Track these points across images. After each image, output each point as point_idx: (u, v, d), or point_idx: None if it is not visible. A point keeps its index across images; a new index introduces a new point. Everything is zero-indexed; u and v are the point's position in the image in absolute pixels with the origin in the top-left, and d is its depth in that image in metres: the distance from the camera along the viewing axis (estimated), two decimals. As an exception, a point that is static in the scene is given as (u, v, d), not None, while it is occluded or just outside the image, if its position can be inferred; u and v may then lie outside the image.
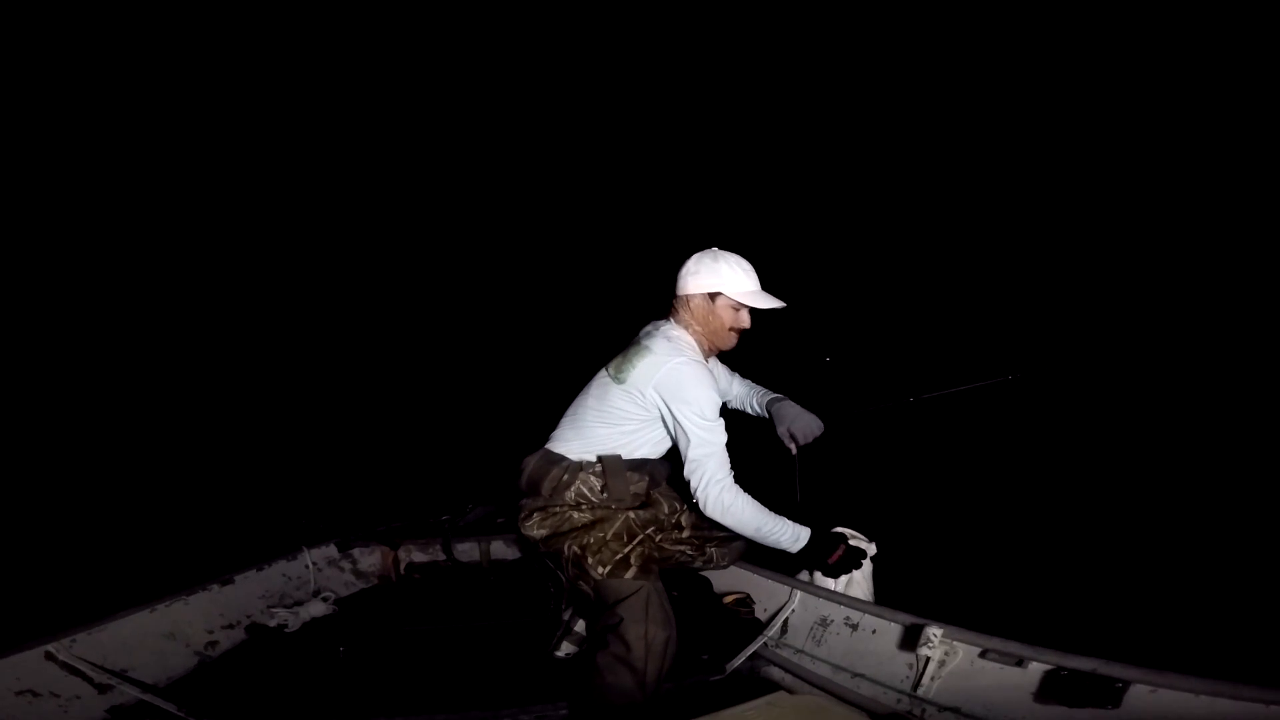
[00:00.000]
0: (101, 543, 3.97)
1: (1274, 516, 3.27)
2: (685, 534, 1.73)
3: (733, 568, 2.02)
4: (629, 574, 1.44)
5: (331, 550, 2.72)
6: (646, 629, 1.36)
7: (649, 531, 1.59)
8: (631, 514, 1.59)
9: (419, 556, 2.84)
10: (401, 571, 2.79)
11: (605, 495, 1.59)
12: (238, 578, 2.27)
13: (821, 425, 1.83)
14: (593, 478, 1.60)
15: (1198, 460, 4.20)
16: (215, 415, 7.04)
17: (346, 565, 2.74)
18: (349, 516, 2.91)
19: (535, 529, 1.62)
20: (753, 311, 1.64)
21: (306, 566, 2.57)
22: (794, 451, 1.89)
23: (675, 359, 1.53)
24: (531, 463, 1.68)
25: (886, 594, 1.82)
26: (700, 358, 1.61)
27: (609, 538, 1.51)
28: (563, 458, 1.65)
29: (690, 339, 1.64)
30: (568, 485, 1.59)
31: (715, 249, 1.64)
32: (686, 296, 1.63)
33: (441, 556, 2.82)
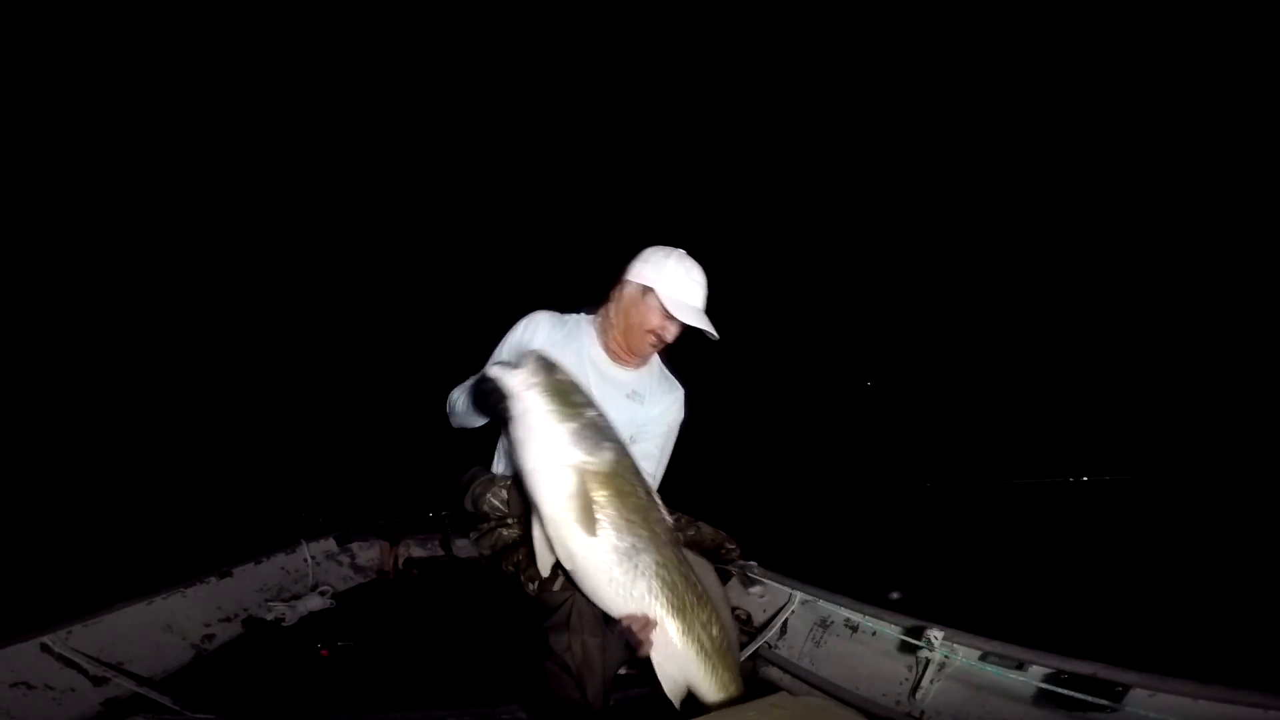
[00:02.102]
0: (99, 534, 3.96)
1: (1272, 522, 3.28)
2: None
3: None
4: (557, 585, 1.31)
5: (330, 544, 2.71)
6: (569, 639, 1.25)
7: None
8: None
9: (418, 552, 2.84)
10: (400, 566, 2.79)
11: (507, 507, 1.50)
12: (235, 571, 2.26)
13: None
14: (502, 490, 1.51)
15: (1197, 467, 4.21)
16: (215, 408, 7.02)
17: (345, 559, 2.74)
18: (348, 510, 2.90)
19: (480, 547, 1.54)
20: (694, 333, 1.48)
21: (305, 560, 2.56)
22: None
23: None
24: (465, 479, 1.61)
25: (887, 596, 1.78)
26: (551, 314, 1.57)
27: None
28: (484, 470, 1.59)
29: (590, 325, 1.57)
30: (480, 497, 1.51)
31: (681, 251, 1.51)
32: (624, 280, 1.51)
33: (440, 552, 2.82)
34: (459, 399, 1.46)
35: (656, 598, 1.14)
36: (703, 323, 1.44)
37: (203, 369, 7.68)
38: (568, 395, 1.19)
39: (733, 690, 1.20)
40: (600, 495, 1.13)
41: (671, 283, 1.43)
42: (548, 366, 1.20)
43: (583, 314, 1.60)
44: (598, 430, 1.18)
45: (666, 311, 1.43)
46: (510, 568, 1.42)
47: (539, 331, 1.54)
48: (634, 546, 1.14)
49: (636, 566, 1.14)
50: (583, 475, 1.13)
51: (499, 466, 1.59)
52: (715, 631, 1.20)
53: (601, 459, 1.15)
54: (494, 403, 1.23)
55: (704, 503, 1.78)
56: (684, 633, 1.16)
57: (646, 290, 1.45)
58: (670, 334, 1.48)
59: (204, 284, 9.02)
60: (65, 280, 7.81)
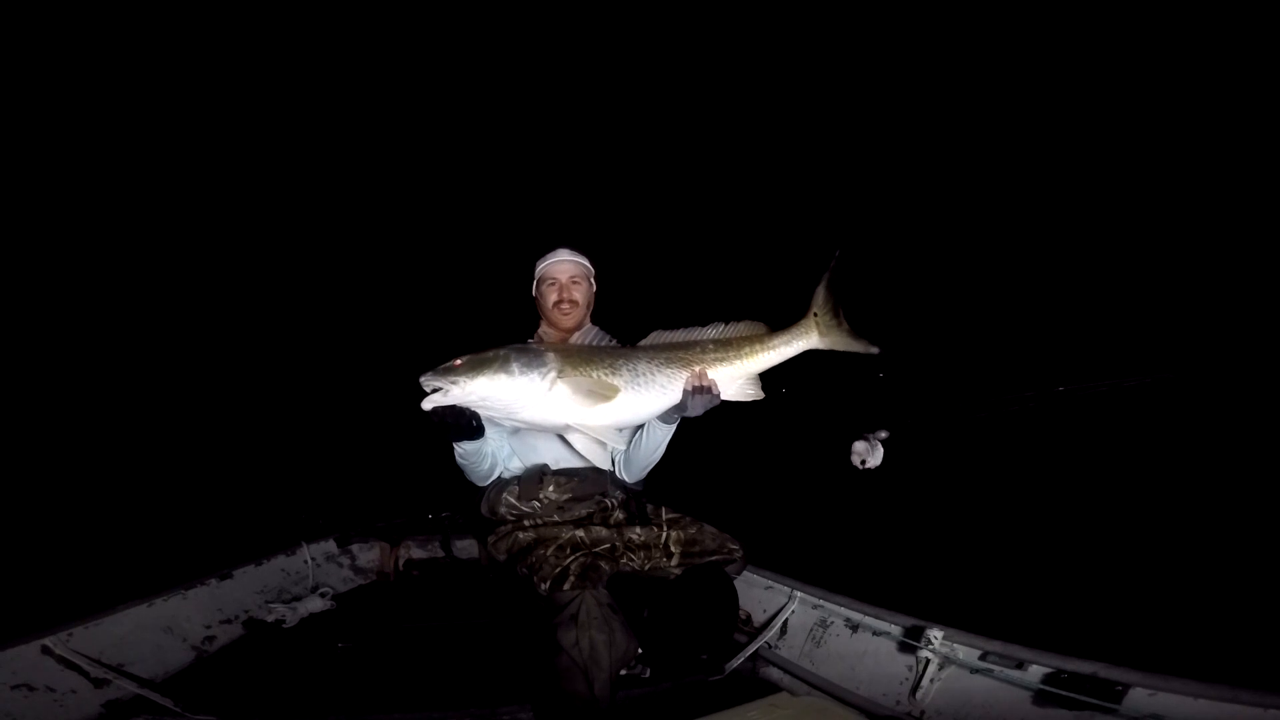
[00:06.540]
0: (99, 535, 3.96)
1: (1273, 520, 3.28)
2: (674, 561, 1.62)
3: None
4: (567, 584, 1.42)
5: (330, 546, 2.72)
6: (578, 635, 1.34)
7: (599, 550, 1.54)
8: (580, 531, 1.57)
9: (418, 553, 2.84)
10: (400, 568, 2.79)
11: (521, 502, 1.66)
12: (236, 572, 2.26)
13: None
14: (516, 487, 1.67)
15: (1198, 464, 4.21)
16: (215, 409, 7.02)
17: (345, 561, 2.74)
18: (349, 512, 2.90)
19: (497, 553, 1.64)
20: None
21: (305, 562, 2.57)
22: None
23: None
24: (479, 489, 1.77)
25: (887, 596, 1.78)
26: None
27: (549, 554, 1.50)
28: (498, 479, 1.74)
29: (534, 343, 1.77)
30: (496, 500, 1.67)
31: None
32: (532, 297, 1.88)
33: (440, 553, 2.83)
34: (459, 458, 1.63)
35: (678, 373, 1.41)
36: (574, 258, 1.83)
37: (202, 369, 7.68)
38: (480, 360, 1.33)
39: (761, 352, 1.46)
40: (582, 376, 1.36)
41: (543, 265, 1.84)
42: (440, 368, 1.34)
43: (528, 342, 1.84)
44: (525, 352, 1.36)
45: (551, 280, 1.79)
46: (525, 570, 1.52)
47: None
48: (636, 370, 1.40)
49: (650, 374, 1.41)
50: (559, 380, 1.33)
51: (511, 469, 1.75)
52: (721, 351, 1.45)
53: (550, 361, 1.35)
54: (457, 420, 1.40)
55: (705, 503, 1.78)
56: (716, 362, 1.43)
57: (536, 283, 1.84)
58: (567, 292, 1.78)
59: (204, 283, 9.03)
60: (65, 280, 7.82)
